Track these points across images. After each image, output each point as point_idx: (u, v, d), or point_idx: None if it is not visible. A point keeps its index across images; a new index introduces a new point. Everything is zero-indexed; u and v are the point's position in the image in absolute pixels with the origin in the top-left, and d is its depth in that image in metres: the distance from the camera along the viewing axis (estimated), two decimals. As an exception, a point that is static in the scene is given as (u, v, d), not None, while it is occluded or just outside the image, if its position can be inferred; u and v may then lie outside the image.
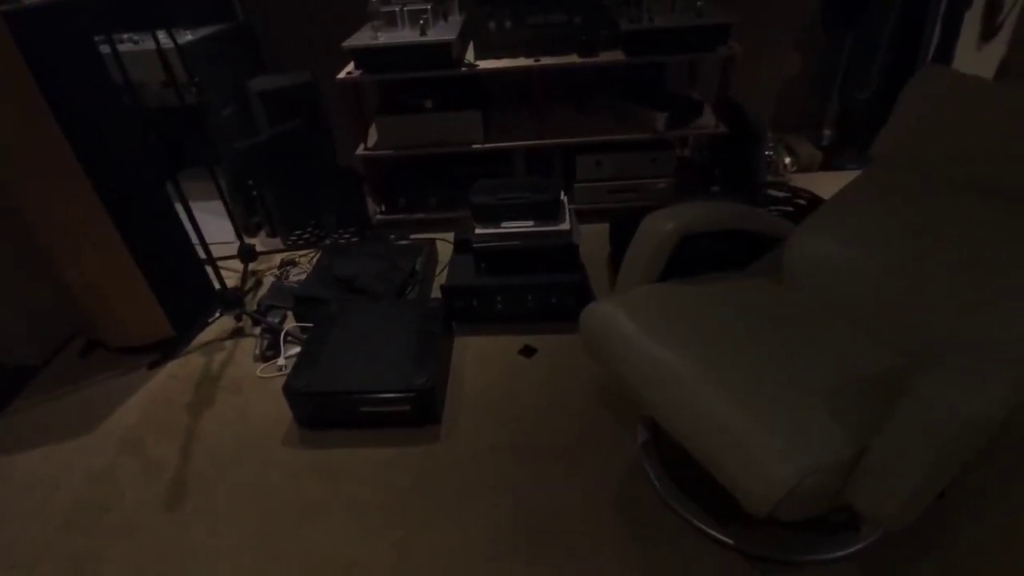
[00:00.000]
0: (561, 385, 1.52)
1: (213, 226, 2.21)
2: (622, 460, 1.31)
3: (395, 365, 1.42)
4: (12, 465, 1.44)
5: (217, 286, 1.79)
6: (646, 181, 2.20)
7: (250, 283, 2.03)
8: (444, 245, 2.15)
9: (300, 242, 2.24)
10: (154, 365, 1.69)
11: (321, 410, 1.42)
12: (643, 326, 1.09)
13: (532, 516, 1.22)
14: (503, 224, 1.69)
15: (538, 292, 1.68)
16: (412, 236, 2.16)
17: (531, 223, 1.68)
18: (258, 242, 2.27)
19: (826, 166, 2.45)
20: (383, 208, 2.29)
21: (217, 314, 1.78)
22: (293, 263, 2.11)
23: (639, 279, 1.24)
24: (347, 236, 2.23)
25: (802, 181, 2.27)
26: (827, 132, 2.49)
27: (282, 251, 2.21)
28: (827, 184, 2.08)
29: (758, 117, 2.13)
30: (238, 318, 1.82)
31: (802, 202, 1.95)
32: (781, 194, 2.00)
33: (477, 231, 1.67)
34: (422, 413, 1.42)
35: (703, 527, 1.16)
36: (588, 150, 2.16)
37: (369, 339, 1.52)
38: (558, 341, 1.68)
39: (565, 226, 1.67)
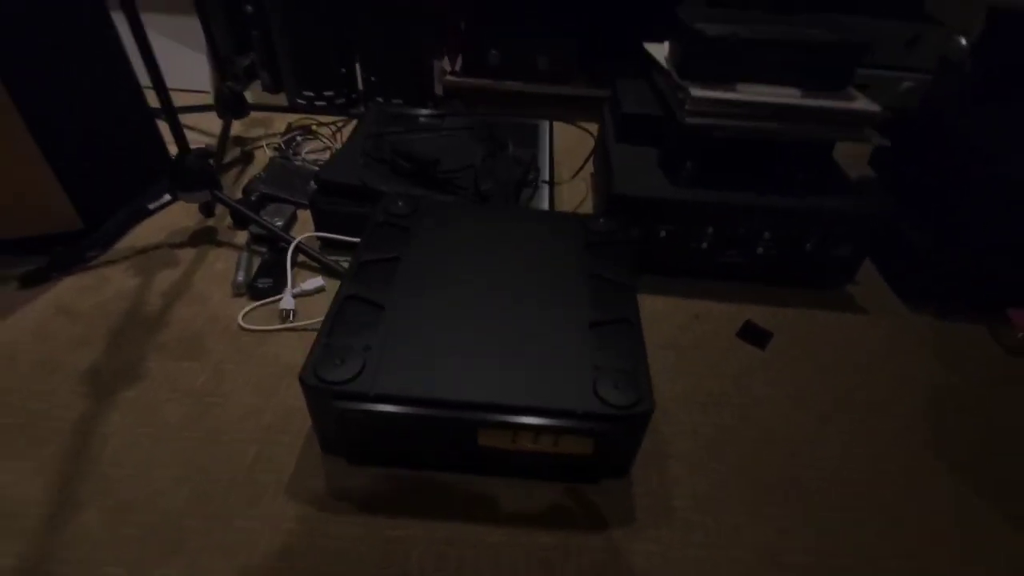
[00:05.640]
0: (848, 402, 0.76)
1: (177, 60, 1.35)
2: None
3: (556, 356, 0.63)
4: None
5: (173, 151, 0.94)
6: None
7: (233, 155, 1.18)
8: (564, 132, 1.31)
9: (320, 104, 1.38)
10: (31, 281, 0.87)
11: (388, 433, 0.63)
12: None
13: None
14: (740, 87, 0.87)
15: (783, 224, 0.89)
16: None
17: (797, 92, 0.86)
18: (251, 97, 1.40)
19: None
20: (455, 66, 1.43)
21: (166, 197, 0.94)
22: (308, 132, 1.26)
23: None
24: (396, 105, 1.38)
25: None
26: None
27: (289, 111, 1.35)
28: None
29: None
30: (206, 209, 0.99)
31: None
32: None
33: (693, 94, 0.85)
34: (611, 460, 0.64)
35: None
36: None
37: (489, 287, 0.72)
38: (810, 319, 0.90)
39: (862, 104, 0.86)
